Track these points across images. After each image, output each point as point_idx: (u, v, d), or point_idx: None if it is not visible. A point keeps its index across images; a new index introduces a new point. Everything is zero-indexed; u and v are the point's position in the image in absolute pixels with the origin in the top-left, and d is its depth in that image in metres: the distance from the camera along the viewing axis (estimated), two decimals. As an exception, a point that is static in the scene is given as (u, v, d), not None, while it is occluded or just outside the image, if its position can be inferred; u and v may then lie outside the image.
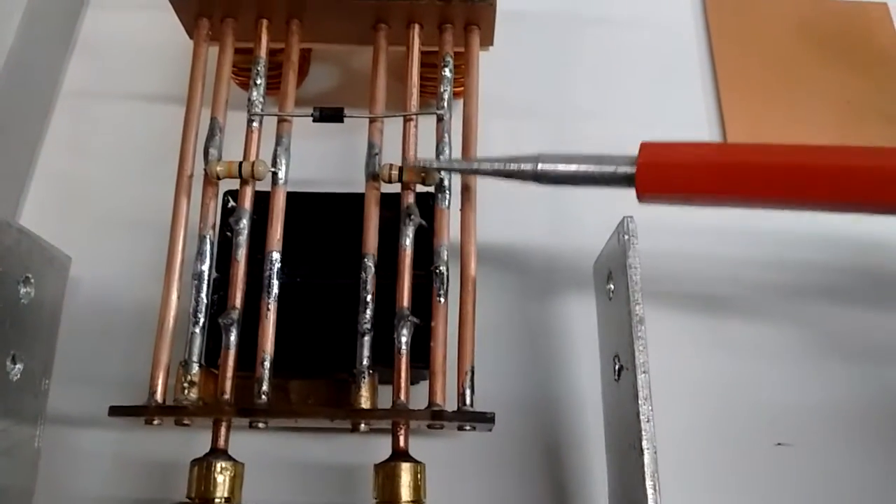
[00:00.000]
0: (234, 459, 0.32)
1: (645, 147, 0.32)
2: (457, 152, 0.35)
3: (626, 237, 0.31)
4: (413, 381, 0.34)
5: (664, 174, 0.32)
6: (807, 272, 0.41)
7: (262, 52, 0.36)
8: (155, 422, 0.32)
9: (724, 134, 0.44)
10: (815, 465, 0.36)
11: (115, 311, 0.39)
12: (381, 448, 0.33)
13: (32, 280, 0.34)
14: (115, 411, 0.31)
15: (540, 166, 0.32)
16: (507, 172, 0.33)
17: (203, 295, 0.33)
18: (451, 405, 0.32)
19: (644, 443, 0.28)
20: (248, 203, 0.34)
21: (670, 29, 0.47)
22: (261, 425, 0.32)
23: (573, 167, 0.32)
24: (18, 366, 0.33)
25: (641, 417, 0.29)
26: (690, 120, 0.45)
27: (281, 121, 0.35)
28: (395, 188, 0.35)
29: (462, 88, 0.38)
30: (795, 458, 0.37)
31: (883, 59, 0.47)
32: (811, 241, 0.41)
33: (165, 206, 0.38)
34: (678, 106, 0.45)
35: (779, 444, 0.37)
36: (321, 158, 0.41)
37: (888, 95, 0.46)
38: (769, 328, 0.39)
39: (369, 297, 0.33)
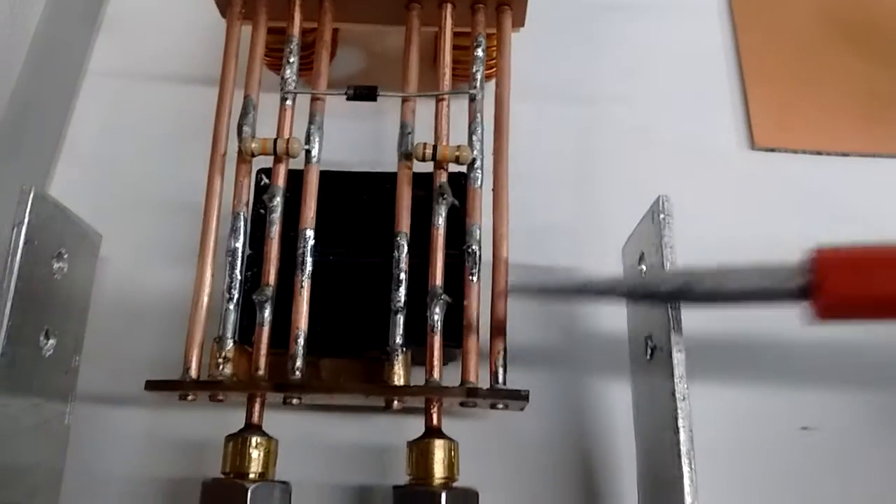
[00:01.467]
0: (268, 435, 0.32)
1: (821, 257, 0.27)
2: (488, 132, 0.35)
3: (662, 216, 0.31)
4: (444, 361, 0.34)
5: (849, 287, 0.26)
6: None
7: (296, 31, 0.36)
8: (189, 397, 0.32)
9: (749, 123, 0.44)
10: (841, 450, 0.36)
11: (143, 289, 0.40)
12: (412, 427, 0.33)
13: (66, 256, 0.34)
14: (152, 385, 0.31)
15: (682, 285, 0.28)
16: (645, 293, 0.30)
17: (237, 272, 0.33)
18: (482, 384, 0.32)
19: (680, 421, 0.29)
20: (281, 180, 0.34)
21: (696, 16, 0.47)
22: (295, 401, 0.32)
23: (728, 285, 0.28)
24: (52, 341, 0.34)
25: (677, 396, 0.29)
26: (715, 107, 0.45)
27: (314, 99, 0.35)
28: (426, 167, 0.35)
29: (492, 70, 0.38)
30: (821, 442, 0.37)
31: (907, 48, 0.47)
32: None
33: (192, 184, 0.38)
34: (703, 93, 0.45)
35: (804, 427, 0.37)
36: (350, 139, 0.41)
37: (914, 86, 0.46)
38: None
39: (402, 276, 0.33)
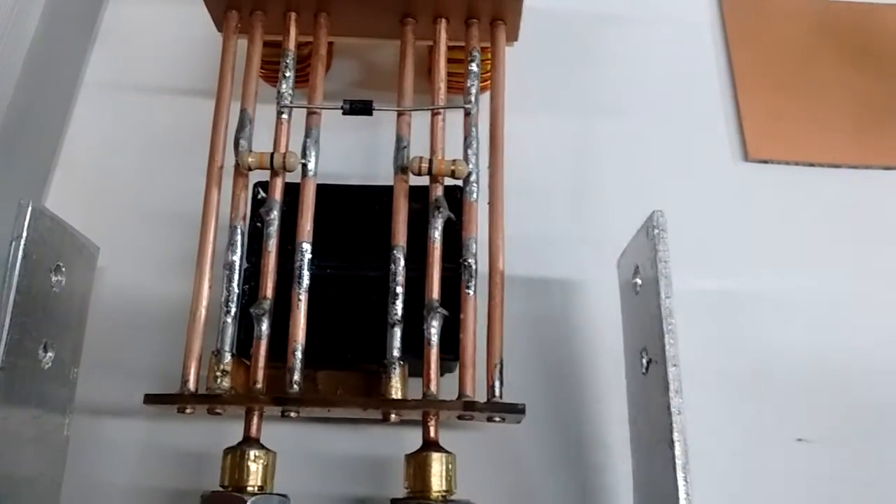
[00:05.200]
0: (266, 448, 0.32)
1: None
2: (483, 145, 0.36)
3: (657, 231, 0.31)
4: (440, 372, 0.34)
5: None
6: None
7: (291, 45, 0.37)
8: (188, 410, 0.32)
9: (742, 135, 0.45)
10: (835, 461, 0.37)
11: (139, 301, 0.40)
12: (409, 439, 0.33)
13: (63, 269, 0.35)
14: (151, 399, 0.31)
15: None
16: None
17: (234, 285, 0.34)
18: (479, 397, 0.32)
19: (675, 434, 0.29)
20: (278, 194, 0.34)
21: (688, 27, 0.48)
22: (293, 414, 0.32)
23: None
24: (50, 354, 0.34)
25: (672, 410, 0.29)
26: (709, 119, 0.45)
27: (310, 113, 0.36)
28: (422, 181, 0.35)
29: (486, 83, 0.38)
30: (816, 454, 0.37)
31: (898, 60, 0.47)
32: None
33: (187, 195, 0.39)
34: (697, 105, 0.46)
35: (799, 439, 0.37)
36: (345, 150, 0.41)
37: (903, 96, 0.46)
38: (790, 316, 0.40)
39: (399, 289, 0.33)
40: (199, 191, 0.37)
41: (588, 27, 0.47)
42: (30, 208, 0.32)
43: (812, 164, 0.44)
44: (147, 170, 0.43)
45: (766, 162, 0.44)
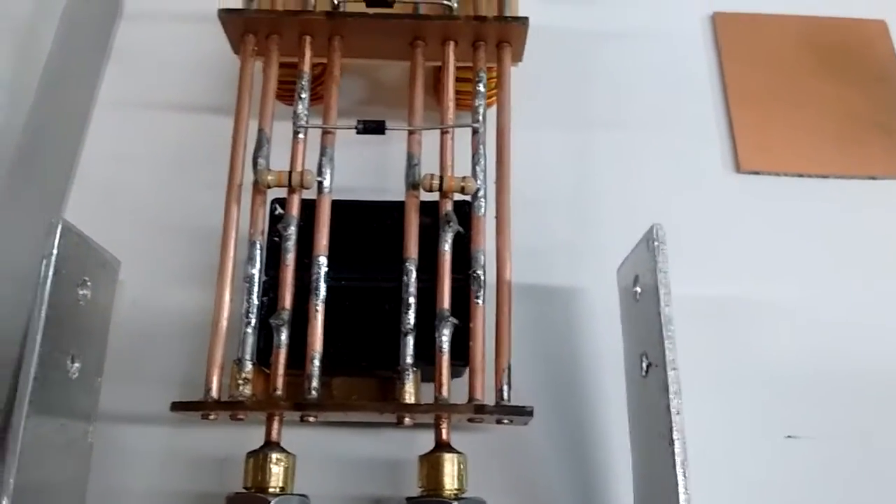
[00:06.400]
0: (287, 451, 0.34)
1: None
2: (491, 162, 0.38)
3: (656, 244, 0.33)
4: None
5: None
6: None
7: (306, 68, 0.38)
8: (211, 416, 0.34)
9: (734, 143, 0.47)
10: (825, 458, 0.39)
11: (155, 312, 0.41)
12: (421, 441, 0.35)
13: (89, 283, 0.36)
14: (178, 406, 0.33)
15: None
16: None
17: (254, 297, 0.35)
18: (487, 400, 0.34)
19: (675, 434, 0.31)
20: (295, 210, 0.36)
21: (683, 44, 0.50)
22: (311, 419, 0.34)
23: None
24: (77, 364, 0.35)
25: (672, 410, 0.31)
26: (702, 131, 0.47)
27: (325, 132, 0.37)
28: (431, 195, 0.37)
29: (491, 99, 0.40)
30: (805, 450, 0.39)
31: (881, 74, 0.49)
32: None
33: (200, 210, 0.41)
34: (690, 116, 0.48)
35: (789, 436, 0.39)
36: (356, 164, 0.43)
37: (885, 107, 0.48)
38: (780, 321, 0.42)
39: (412, 300, 0.35)
40: (212, 205, 0.39)
41: (585, 44, 0.49)
42: (60, 226, 0.33)
43: (801, 175, 0.46)
44: (161, 185, 0.45)
45: (756, 173, 0.46)
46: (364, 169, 0.43)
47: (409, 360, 0.34)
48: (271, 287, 0.36)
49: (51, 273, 0.33)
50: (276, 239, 0.36)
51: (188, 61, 0.49)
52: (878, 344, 0.41)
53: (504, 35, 0.38)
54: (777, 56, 0.50)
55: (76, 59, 0.49)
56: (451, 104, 0.38)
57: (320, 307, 0.35)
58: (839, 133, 0.47)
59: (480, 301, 0.35)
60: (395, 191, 0.38)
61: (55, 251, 0.33)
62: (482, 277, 0.35)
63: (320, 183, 0.37)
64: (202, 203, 0.43)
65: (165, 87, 0.48)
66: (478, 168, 0.37)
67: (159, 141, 0.46)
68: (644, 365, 0.34)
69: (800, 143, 0.47)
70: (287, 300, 0.35)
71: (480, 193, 0.37)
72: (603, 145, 0.46)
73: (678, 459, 0.30)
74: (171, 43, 0.49)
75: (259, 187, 0.36)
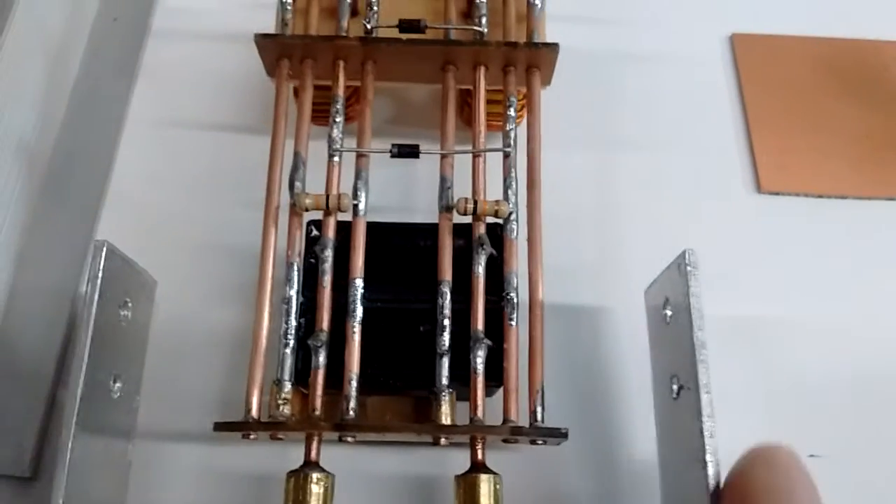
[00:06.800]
0: (326, 471, 0.34)
1: None
2: (521, 186, 0.38)
3: (689, 268, 0.34)
4: (483, 398, 0.37)
5: None
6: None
7: (340, 92, 0.39)
8: (252, 436, 0.35)
9: (754, 164, 0.47)
10: (848, 478, 0.39)
11: (189, 332, 0.42)
12: (456, 460, 0.36)
13: (130, 304, 0.37)
14: (220, 427, 0.34)
15: None
16: None
17: (292, 318, 0.36)
18: (521, 421, 0.35)
19: (708, 456, 0.31)
20: (331, 233, 0.37)
21: (703, 67, 0.51)
22: (349, 439, 0.35)
23: None
24: (119, 384, 0.36)
25: (705, 433, 0.32)
26: (723, 151, 0.48)
27: (359, 156, 0.38)
28: (463, 218, 0.38)
29: (519, 119, 0.41)
30: (828, 469, 0.39)
31: (898, 95, 0.50)
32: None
33: (231, 229, 0.42)
34: (712, 138, 0.48)
35: (812, 455, 0.40)
36: (386, 184, 0.43)
37: (904, 129, 0.49)
38: (803, 346, 0.42)
39: (446, 321, 0.36)
40: (243, 224, 0.40)
41: (608, 66, 0.50)
42: (105, 249, 0.34)
43: (820, 196, 0.47)
44: (192, 204, 0.46)
45: (777, 194, 0.47)
46: (391, 187, 0.44)
47: (444, 381, 0.35)
48: (308, 308, 0.36)
49: (96, 296, 0.34)
50: (313, 260, 0.37)
51: (217, 80, 0.49)
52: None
53: (534, 61, 0.39)
54: (795, 77, 0.51)
55: (105, 78, 0.50)
56: (482, 129, 0.39)
57: (357, 329, 0.36)
58: (857, 154, 0.48)
59: (514, 323, 0.36)
60: (422, 210, 0.39)
61: (101, 273, 0.34)
62: (515, 300, 0.36)
63: (355, 206, 0.37)
64: (233, 221, 0.44)
65: (194, 106, 0.49)
66: (510, 191, 0.38)
67: (189, 159, 0.47)
68: (675, 387, 0.35)
69: (819, 163, 0.48)
70: (325, 322, 0.36)
71: (512, 217, 0.37)
72: (626, 166, 0.47)
73: (711, 482, 0.31)
74: (199, 61, 0.50)
75: (296, 210, 0.37)
